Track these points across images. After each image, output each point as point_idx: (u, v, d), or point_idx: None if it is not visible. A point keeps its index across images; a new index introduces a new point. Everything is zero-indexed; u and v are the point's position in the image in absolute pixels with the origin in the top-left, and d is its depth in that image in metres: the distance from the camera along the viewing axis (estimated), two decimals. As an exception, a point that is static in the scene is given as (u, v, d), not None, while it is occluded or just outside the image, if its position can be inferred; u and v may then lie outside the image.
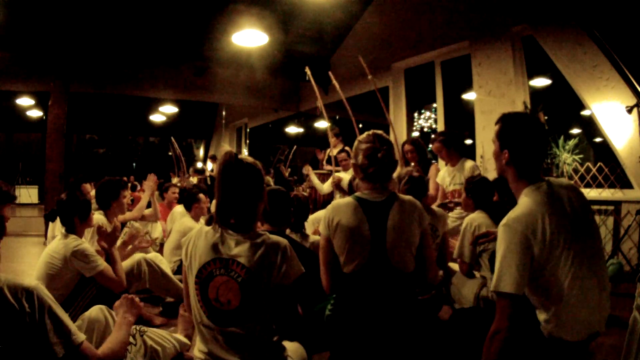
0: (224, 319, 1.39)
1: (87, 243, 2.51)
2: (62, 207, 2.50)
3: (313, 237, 2.60)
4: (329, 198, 4.99)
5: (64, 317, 1.30)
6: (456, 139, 3.89)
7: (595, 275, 1.46)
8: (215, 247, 1.41)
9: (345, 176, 4.42)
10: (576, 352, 1.50)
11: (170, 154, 9.60)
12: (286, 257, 1.41)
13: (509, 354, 1.45)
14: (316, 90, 4.62)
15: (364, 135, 1.75)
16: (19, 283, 1.24)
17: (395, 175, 2.89)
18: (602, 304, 1.49)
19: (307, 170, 4.86)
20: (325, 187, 4.79)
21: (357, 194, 1.72)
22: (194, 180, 8.74)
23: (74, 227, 2.49)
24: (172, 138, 9.49)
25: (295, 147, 9.33)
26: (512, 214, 1.47)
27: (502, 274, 1.40)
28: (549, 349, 1.49)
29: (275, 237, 1.44)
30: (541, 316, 1.50)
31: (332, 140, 5.02)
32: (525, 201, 1.49)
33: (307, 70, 4.48)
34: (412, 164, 4.10)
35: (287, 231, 2.39)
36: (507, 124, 1.57)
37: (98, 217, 2.94)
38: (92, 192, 3.99)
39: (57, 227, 3.38)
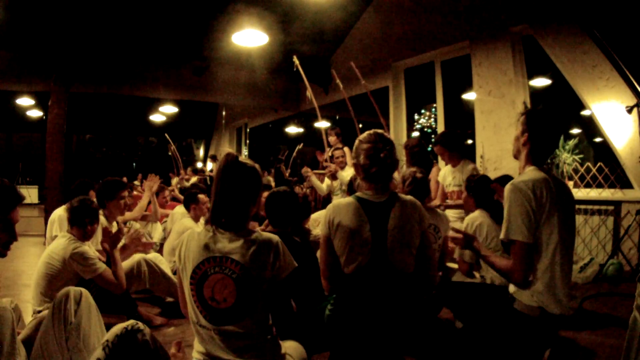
0: (221, 318, 1.39)
1: (87, 245, 2.50)
2: (74, 212, 2.50)
3: (315, 232, 2.60)
4: (329, 198, 4.99)
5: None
6: (456, 140, 3.88)
7: (569, 260, 1.72)
8: (208, 246, 1.42)
9: (342, 173, 4.41)
10: (552, 325, 1.72)
11: (170, 154, 9.56)
12: (279, 253, 1.43)
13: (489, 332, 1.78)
14: (305, 80, 4.60)
15: (365, 134, 1.73)
16: None
17: (397, 175, 2.89)
18: (569, 287, 1.73)
19: (307, 172, 4.85)
20: (324, 186, 4.79)
21: (358, 194, 1.71)
22: (193, 179, 8.74)
23: (80, 231, 2.49)
24: (167, 135, 9.40)
25: (301, 144, 9.28)
26: (518, 178, 1.74)
27: (510, 224, 1.68)
28: (526, 321, 1.70)
29: (267, 234, 1.46)
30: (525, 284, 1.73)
31: (332, 139, 5.02)
32: (529, 173, 1.76)
33: (295, 59, 4.45)
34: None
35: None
36: (533, 114, 1.84)
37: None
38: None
39: (55, 228, 3.38)
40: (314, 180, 4.82)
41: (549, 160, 4.38)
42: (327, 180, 4.79)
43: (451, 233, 2.31)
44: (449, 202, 3.79)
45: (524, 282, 1.70)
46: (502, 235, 1.71)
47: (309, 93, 4.58)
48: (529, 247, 1.67)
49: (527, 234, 1.65)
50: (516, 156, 1.88)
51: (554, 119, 1.82)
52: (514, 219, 1.67)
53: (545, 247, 1.68)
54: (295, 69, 4.64)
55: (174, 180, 9.17)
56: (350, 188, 2.87)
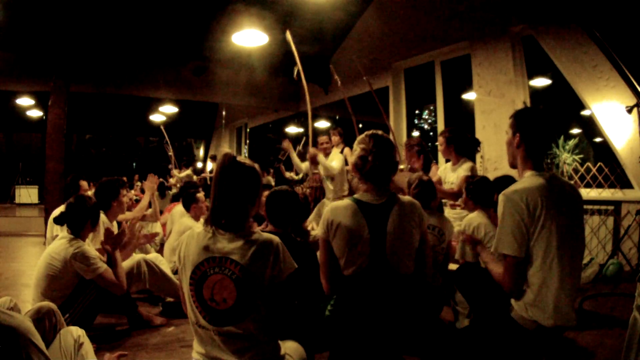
0: (220, 319, 1.39)
1: (88, 245, 2.50)
2: (72, 212, 2.49)
3: (315, 233, 2.59)
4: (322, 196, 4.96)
5: None
6: (459, 138, 3.86)
7: (571, 271, 1.65)
8: (208, 247, 1.41)
9: (323, 158, 4.31)
10: (548, 338, 1.67)
11: (170, 154, 9.57)
12: (279, 254, 1.42)
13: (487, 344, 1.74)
14: (297, 57, 4.26)
15: (361, 135, 1.75)
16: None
17: (398, 178, 2.89)
18: (571, 299, 1.66)
19: (287, 145, 4.74)
20: (304, 166, 4.73)
21: (356, 195, 1.72)
22: (181, 174, 8.80)
23: (80, 230, 2.48)
24: (162, 127, 9.22)
25: (305, 138, 9.24)
26: (512, 187, 1.67)
27: (501, 237, 1.65)
28: (521, 333, 1.66)
29: (267, 235, 1.45)
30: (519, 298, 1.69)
31: (335, 139, 5.02)
32: (525, 180, 1.70)
33: (288, 34, 4.28)
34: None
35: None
36: (521, 114, 1.79)
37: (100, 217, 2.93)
38: (90, 193, 3.98)
39: (56, 228, 3.38)
40: (294, 156, 4.71)
41: (548, 160, 4.39)
42: (306, 162, 4.64)
43: (460, 237, 2.30)
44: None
45: (513, 293, 1.68)
46: (492, 249, 1.69)
47: (298, 67, 4.31)
48: (519, 261, 1.63)
49: (517, 249, 1.62)
50: (513, 164, 1.81)
51: (543, 117, 1.74)
52: (505, 233, 1.64)
53: (540, 259, 1.62)
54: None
55: (173, 180, 9.20)
56: (350, 190, 2.87)
